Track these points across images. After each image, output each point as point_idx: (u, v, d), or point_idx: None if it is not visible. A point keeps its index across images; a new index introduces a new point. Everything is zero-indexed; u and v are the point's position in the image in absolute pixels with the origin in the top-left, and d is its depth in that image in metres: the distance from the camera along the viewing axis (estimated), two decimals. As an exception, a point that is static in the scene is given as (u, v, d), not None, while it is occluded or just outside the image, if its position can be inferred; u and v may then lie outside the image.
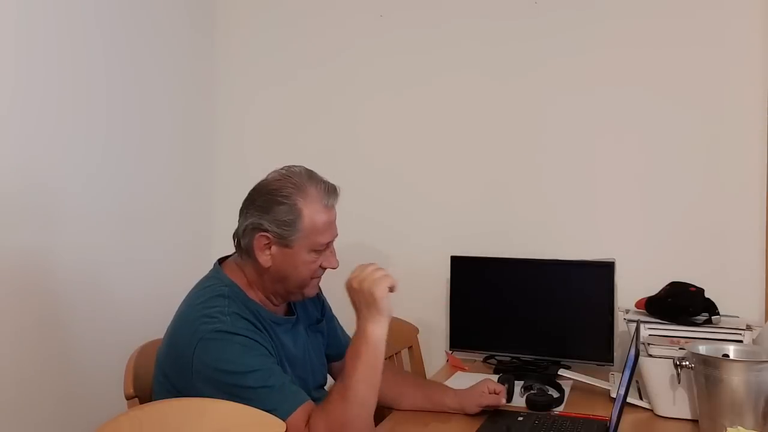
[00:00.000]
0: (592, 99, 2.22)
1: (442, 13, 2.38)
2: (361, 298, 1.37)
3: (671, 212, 2.13)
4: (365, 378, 1.33)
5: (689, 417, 1.59)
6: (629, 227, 2.17)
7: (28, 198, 1.84)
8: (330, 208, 1.46)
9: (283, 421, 1.26)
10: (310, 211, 1.42)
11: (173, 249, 2.40)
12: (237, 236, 1.47)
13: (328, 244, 1.47)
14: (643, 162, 2.16)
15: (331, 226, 1.46)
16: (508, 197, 2.30)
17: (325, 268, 1.49)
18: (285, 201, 1.41)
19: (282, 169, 1.48)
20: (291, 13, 2.57)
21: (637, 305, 1.96)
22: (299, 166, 1.49)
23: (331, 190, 1.47)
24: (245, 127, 2.63)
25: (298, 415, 1.30)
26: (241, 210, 1.47)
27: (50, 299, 1.91)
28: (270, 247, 1.43)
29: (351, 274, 1.40)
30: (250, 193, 1.47)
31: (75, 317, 1.98)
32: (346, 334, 1.75)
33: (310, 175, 1.46)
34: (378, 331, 1.36)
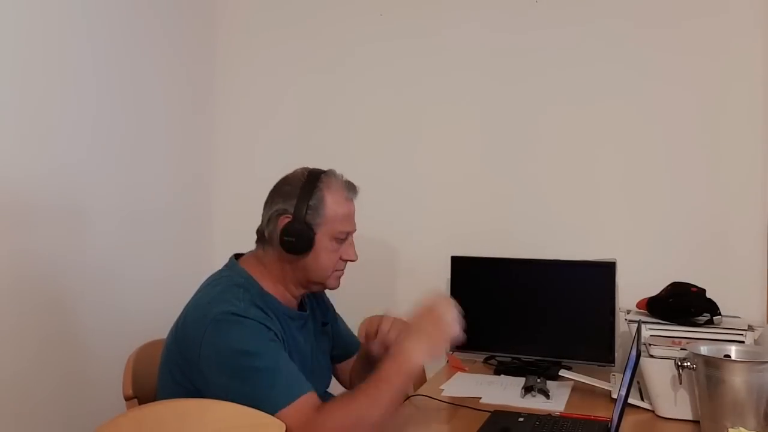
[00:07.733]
0: (593, 99, 2.21)
1: (443, 13, 2.38)
2: (435, 333, 1.35)
3: (673, 212, 2.13)
4: (396, 392, 1.31)
5: (690, 418, 1.59)
6: (630, 227, 2.17)
7: (27, 198, 1.83)
8: (350, 200, 1.52)
9: (286, 405, 1.25)
10: (333, 199, 1.47)
11: (174, 249, 2.39)
12: (261, 228, 1.50)
13: (348, 235, 1.51)
14: (644, 162, 2.16)
15: (351, 217, 1.52)
16: (508, 197, 2.30)
17: (345, 261, 1.52)
18: (309, 187, 1.46)
19: (304, 167, 1.54)
20: (291, 11, 2.57)
21: (639, 305, 1.96)
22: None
23: (351, 185, 1.54)
24: (245, 128, 2.62)
25: (302, 402, 1.28)
26: (266, 203, 1.51)
27: (50, 299, 1.90)
28: None
29: (435, 302, 1.39)
30: (274, 186, 1.51)
31: (75, 317, 1.98)
32: (353, 334, 1.74)
33: (332, 171, 1.53)
34: (420, 364, 1.36)
